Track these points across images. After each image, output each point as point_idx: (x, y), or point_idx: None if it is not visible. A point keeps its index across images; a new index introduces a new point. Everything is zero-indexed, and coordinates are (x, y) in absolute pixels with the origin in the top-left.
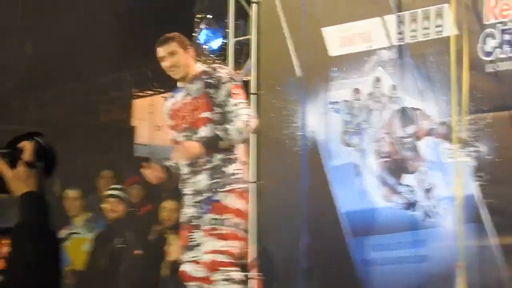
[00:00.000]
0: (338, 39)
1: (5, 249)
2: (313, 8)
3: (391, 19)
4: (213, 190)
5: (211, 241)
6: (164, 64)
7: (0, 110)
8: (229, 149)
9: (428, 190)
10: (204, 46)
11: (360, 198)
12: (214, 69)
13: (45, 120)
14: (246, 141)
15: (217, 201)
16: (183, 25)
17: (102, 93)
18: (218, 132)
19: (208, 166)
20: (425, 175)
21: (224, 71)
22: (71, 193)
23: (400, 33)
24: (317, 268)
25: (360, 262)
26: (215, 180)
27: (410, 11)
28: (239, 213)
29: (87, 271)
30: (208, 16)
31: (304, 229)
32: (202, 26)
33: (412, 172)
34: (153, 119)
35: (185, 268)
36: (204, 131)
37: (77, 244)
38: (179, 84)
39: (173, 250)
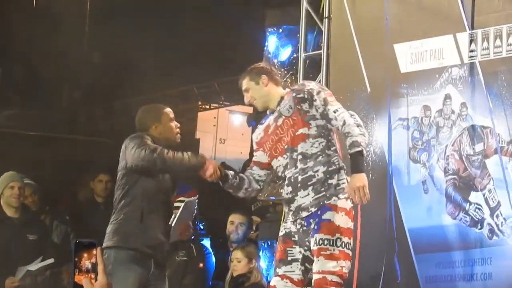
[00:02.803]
0: (409, 55)
1: (87, 263)
2: (385, 24)
3: (463, 37)
4: (321, 203)
5: (321, 261)
6: (244, 100)
7: (67, 121)
8: (331, 160)
9: (494, 208)
10: (274, 60)
11: (427, 214)
12: (303, 84)
13: (110, 131)
14: None
15: (328, 220)
16: (255, 39)
17: (169, 105)
18: (355, 149)
19: (313, 181)
20: (492, 193)
21: (313, 83)
22: None
23: (471, 51)
24: (384, 284)
25: (425, 279)
26: (321, 194)
27: (482, 29)
28: (349, 232)
29: None
30: (280, 30)
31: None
32: (273, 40)
33: (479, 190)
34: (217, 132)
35: (275, 282)
36: (304, 147)
37: None
38: (268, 111)
39: (237, 264)
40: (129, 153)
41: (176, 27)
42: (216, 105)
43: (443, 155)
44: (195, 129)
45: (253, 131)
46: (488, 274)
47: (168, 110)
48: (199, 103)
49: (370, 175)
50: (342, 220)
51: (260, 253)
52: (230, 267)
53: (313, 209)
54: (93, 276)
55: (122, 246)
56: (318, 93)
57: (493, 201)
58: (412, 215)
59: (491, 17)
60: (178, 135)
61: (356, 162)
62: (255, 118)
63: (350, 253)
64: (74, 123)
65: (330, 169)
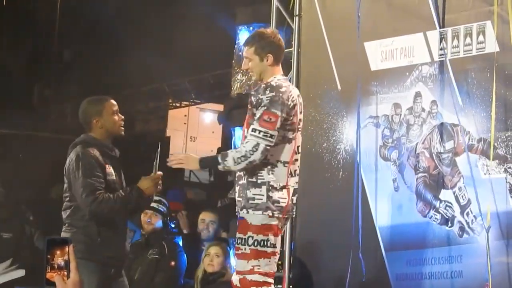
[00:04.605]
0: (380, 53)
1: (59, 260)
2: (356, 23)
3: (433, 35)
4: (237, 208)
5: (236, 261)
6: (243, 65)
7: (37, 118)
8: (255, 171)
9: (465, 206)
10: None
11: (397, 212)
12: (266, 88)
13: (81, 129)
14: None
15: (242, 218)
16: (226, 37)
17: (140, 103)
18: (219, 157)
19: (240, 182)
20: (463, 191)
21: (270, 95)
22: None
23: (441, 49)
24: (353, 281)
25: (396, 277)
26: (239, 199)
27: (452, 28)
28: (264, 229)
29: None
30: (250, 28)
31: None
32: (245, 36)
33: (449, 188)
34: (188, 130)
35: (232, 277)
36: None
37: None
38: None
39: (215, 259)
40: (75, 188)
41: (147, 26)
42: (187, 103)
43: (413, 153)
44: (165, 127)
45: (223, 129)
46: (459, 272)
47: (110, 102)
48: (170, 101)
49: (341, 172)
50: (254, 218)
51: (231, 252)
52: (203, 264)
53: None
54: (65, 273)
55: (81, 257)
56: (262, 107)
57: (463, 199)
58: (383, 213)
59: (462, 16)
60: (122, 128)
61: (208, 157)
62: (226, 116)
63: (269, 249)
64: (44, 121)
65: (250, 180)
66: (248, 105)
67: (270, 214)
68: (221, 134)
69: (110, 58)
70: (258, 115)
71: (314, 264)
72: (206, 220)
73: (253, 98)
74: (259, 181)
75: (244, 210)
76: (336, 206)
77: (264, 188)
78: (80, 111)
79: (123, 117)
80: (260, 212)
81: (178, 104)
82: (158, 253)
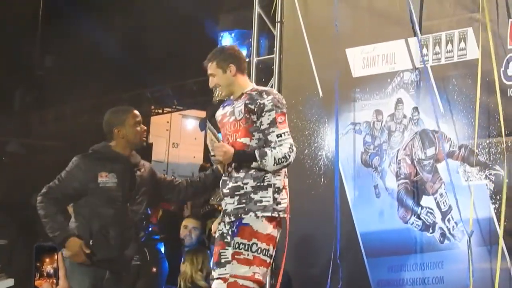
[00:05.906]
0: (361, 60)
1: (48, 267)
2: (335, 30)
3: (414, 41)
4: (239, 215)
5: (234, 265)
6: (209, 83)
7: (18, 124)
8: (263, 176)
9: (446, 212)
10: None
11: (379, 218)
12: (261, 93)
13: (63, 134)
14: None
15: (247, 225)
16: (208, 43)
17: None
18: (256, 154)
19: (239, 192)
20: (444, 197)
21: (270, 98)
22: None
23: (423, 56)
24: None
25: (377, 283)
26: (241, 205)
27: (433, 34)
28: (267, 238)
29: None
30: (232, 34)
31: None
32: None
33: (431, 194)
34: (170, 136)
35: (213, 285)
36: None
37: None
38: (232, 97)
39: (187, 268)
40: None
41: (128, 31)
42: (169, 109)
43: (394, 159)
44: (148, 134)
45: (205, 136)
46: (440, 278)
47: (133, 113)
48: (152, 107)
49: (322, 179)
50: (260, 226)
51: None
52: (182, 270)
53: (232, 218)
54: (54, 280)
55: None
56: (269, 111)
57: (444, 205)
58: (364, 219)
59: (443, 22)
60: (144, 138)
61: (241, 151)
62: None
63: (268, 259)
64: (25, 127)
65: (258, 184)
66: (244, 113)
67: (276, 215)
68: (203, 141)
69: (92, 64)
70: (269, 120)
71: (295, 270)
72: (189, 226)
73: (251, 106)
74: (265, 183)
75: (251, 214)
76: (317, 212)
77: (270, 190)
78: (104, 121)
79: (145, 127)
80: (269, 213)
81: (160, 111)
82: (139, 259)
